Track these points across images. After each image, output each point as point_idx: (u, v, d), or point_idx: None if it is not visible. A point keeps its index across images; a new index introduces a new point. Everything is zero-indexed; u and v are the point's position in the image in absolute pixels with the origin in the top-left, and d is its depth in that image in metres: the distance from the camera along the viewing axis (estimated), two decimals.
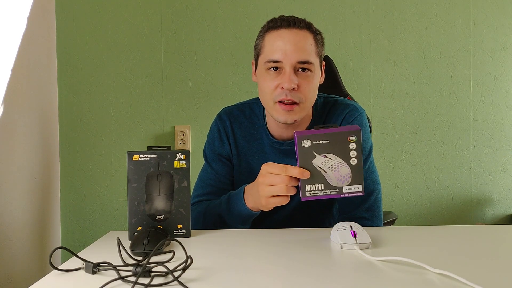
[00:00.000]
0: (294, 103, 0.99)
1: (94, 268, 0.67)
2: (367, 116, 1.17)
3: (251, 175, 1.13)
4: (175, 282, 0.61)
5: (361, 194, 0.87)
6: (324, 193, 0.86)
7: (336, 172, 0.86)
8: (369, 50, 1.89)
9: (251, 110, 1.15)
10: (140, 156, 0.86)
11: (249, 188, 0.97)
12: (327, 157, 0.86)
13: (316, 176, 0.86)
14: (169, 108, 1.87)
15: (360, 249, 0.77)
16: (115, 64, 1.86)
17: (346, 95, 1.43)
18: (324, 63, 1.07)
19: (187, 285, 0.60)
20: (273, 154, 1.11)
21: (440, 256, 0.74)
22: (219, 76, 1.87)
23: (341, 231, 0.82)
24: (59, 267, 0.69)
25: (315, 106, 1.10)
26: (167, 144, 1.86)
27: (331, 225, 0.90)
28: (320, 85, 1.05)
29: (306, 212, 1.14)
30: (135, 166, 0.86)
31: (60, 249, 1.83)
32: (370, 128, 1.25)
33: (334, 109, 1.11)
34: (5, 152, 1.40)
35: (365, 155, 1.09)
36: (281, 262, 0.72)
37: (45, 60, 1.74)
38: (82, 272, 0.68)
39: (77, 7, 1.84)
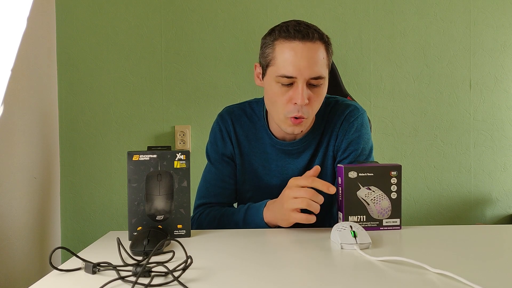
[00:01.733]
0: (303, 117, 1.00)
1: (94, 268, 0.67)
2: (367, 116, 1.17)
3: (253, 175, 1.14)
4: (175, 282, 0.61)
5: (399, 228, 0.93)
6: (365, 225, 0.92)
7: (377, 205, 0.92)
8: (369, 50, 1.89)
9: (252, 109, 1.15)
10: (140, 156, 0.86)
11: (270, 203, 0.99)
12: (370, 189, 0.92)
13: (359, 207, 0.92)
14: (169, 108, 1.87)
15: (360, 249, 0.77)
16: (115, 64, 1.86)
17: (346, 95, 1.43)
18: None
19: (187, 285, 0.60)
20: (274, 154, 1.11)
21: (440, 256, 0.74)
22: (219, 76, 1.87)
23: (341, 231, 0.82)
24: (59, 267, 0.69)
25: None
26: (167, 144, 1.86)
27: (331, 225, 0.90)
28: None
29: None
30: (135, 166, 0.86)
31: (60, 249, 1.83)
32: (370, 128, 1.25)
33: (335, 109, 1.11)
34: (5, 152, 1.40)
35: (365, 155, 1.09)
36: (281, 262, 0.72)
37: (45, 60, 1.74)
38: (82, 272, 0.68)
39: (77, 7, 1.84)
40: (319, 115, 1.11)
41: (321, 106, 1.11)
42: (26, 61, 1.55)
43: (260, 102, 1.15)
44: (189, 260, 0.67)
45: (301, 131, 1.03)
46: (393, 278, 0.63)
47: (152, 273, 0.64)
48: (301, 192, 0.89)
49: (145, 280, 0.61)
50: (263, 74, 1.05)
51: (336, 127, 1.10)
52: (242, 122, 1.13)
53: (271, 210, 0.97)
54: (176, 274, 0.64)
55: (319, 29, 1.01)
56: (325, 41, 1.00)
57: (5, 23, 1.43)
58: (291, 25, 0.99)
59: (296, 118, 0.99)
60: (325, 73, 0.99)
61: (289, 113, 0.99)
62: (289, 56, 0.96)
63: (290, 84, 0.98)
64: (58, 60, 1.84)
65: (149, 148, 0.88)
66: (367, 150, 1.10)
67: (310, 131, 1.10)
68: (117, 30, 1.85)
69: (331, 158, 1.11)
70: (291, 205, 0.90)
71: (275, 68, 0.98)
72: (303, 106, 0.97)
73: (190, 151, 1.81)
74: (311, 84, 0.98)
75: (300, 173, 1.11)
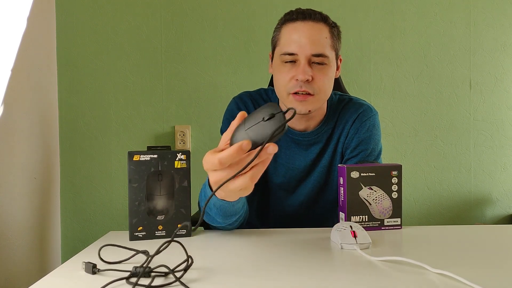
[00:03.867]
0: (309, 94, 0.99)
1: (94, 268, 0.67)
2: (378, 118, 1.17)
3: None
4: (177, 282, 0.61)
5: (399, 228, 0.94)
6: (367, 225, 0.93)
7: (379, 205, 0.93)
8: (369, 50, 1.89)
9: (267, 96, 1.16)
10: (141, 156, 0.86)
11: None
12: (372, 189, 0.93)
13: (361, 207, 0.92)
14: (169, 108, 1.87)
15: (360, 249, 0.77)
16: (115, 64, 1.86)
17: None
18: (341, 57, 1.08)
19: (188, 285, 0.60)
20: (284, 142, 1.12)
21: (440, 256, 0.74)
22: (219, 76, 1.87)
23: (341, 231, 0.82)
24: (59, 267, 0.69)
25: (330, 103, 1.11)
26: (167, 144, 1.86)
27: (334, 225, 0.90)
28: None
29: (310, 211, 1.15)
30: (135, 166, 0.86)
31: (59, 249, 1.83)
32: None
33: (348, 106, 1.12)
34: (5, 152, 1.40)
35: (374, 156, 1.10)
36: (281, 262, 0.72)
37: (45, 60, 1.74)
38: (82, 272, 0.68)
39: (77, 7, 1.84)
40: (332, 109, 1.11)
41: (334, 102, 1.12)
42: (26, 61, 1.55)
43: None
44: (189, 260, 0.67)
45: (309, 111, 1.01)
46: (393, 278, 0.63)
47: (153, 274, 0.63)
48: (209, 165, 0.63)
49: (146, 281, 0.61)
50: (272, 58, 1.07)
51: (348, 125, 1.10)
52: (259, 105, 1.14)
53: None
54: (178, 274, 0.63)
55: (325, 14, 1.03)
56: (329, 23, 1.02)
57: (5, 23, 1.43)
58: (296, 10, 1.02)
59: (299, 94, 0.99)
60: (328, 52, 1.00)
61: (291, 89, 1.00)
62: (291, 34, 1.00)
63: (294, 63, 0.99)
64: (58, 60, 1.84)
65: (149, 148, 0.88)
66: (376, 152, 1.10)
67: (322, 125, 1.10)
68: (117, 30, 1.85)
69: (340, 155, 1.11)
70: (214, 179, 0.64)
71: (279, 48, 1.02)
72: (305, 83, 0.98)
73: (190, 151, 1.81)
74: (314, 63, 0.99)
75: (307, 167, 1.11)
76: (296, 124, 1.09)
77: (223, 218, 0.86)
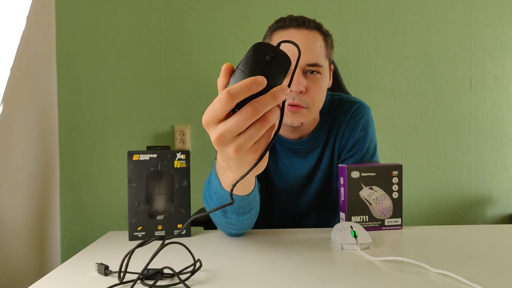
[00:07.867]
0: (301, 107, 0.96)
1: (106, 270, 0.66)
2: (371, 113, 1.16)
3: (264, 170, 1.12)
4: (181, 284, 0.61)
5: (400, 228, 0.94)
6: (368, 225, 0.93)
7: (380, 205, 0.93)
8: (370, 49, 1.88)
9: None
10: (140, 155, 0.86)
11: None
12: (372, 189, 0.93)
13: (362, 207, 0.92)
14: (168, 107, 1.86)
15: (361, 249, 0.76)
16: (115, 63, 1.85)
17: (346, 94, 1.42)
18: (332, 66, 1.06)
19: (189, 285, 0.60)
20: (282, 152, 1.10)
21: (440, 256, 0.74)
22: (218, 75, 1.86)
23: (342, 231, 0.81)
24: (58, 267, 0.69)
25: (322, 105, 1.08)
26: (166, 143, 1.85)
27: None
28: None
29: (314, 214, 1.14)
30: (135, 165, 0.86)
31: (59, 249, 1.83)
32: None
33: (340, 106, 1.10)
34: (4, 151, 1.39)
35: (370, 154, 1.09)
36: (281, 262, 0.72)
37: (45, 59, 1.74)
38: (82, 272, 0.68)
39: (76, 6, 1.84)
40: (324, 112, 1.10)
41: (326, 104, 1.10)
42: (25, 60, 1.55)
43: None
44: (197, 264, 0.67)
45: (302, 123, 0.99)
46: (393, 278, 0.63)
47: (157, 276, 0.63)
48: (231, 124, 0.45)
49: (150, 282, 0.61)
50: None
51: (343, 125, 1.08)
52: None
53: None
54: (184, 277, 0.63)
55: (318, 22, 1.00)
56: (323, 31, 0.99)
57: (5, 22, 1.43)
58: (288, 16, 0.99)
59: (292, 106, 0.95)
60: (323, 62, 0.97)
61: None
62: None
63: None
64: (57, 59, 1.84)
65: (148, 148, 0.88)
66: (372, 149, 1.10)
67: (317, 130, 1.08)
68: (117, 29, 1.85)
69: (337, 156, 1.10)
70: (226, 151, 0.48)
71: None
72: (298, 94, 0.94)
73: (190, 151, 1.81)
74: (308, 73, 0.96)
75: (308, 174, 1.10)
76: (291, 134, 1.07)
77: (237, 215, 0.77)
